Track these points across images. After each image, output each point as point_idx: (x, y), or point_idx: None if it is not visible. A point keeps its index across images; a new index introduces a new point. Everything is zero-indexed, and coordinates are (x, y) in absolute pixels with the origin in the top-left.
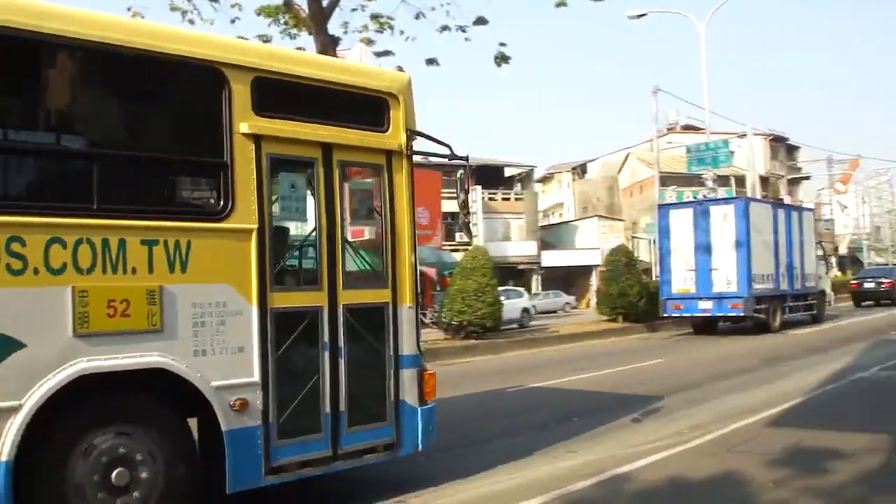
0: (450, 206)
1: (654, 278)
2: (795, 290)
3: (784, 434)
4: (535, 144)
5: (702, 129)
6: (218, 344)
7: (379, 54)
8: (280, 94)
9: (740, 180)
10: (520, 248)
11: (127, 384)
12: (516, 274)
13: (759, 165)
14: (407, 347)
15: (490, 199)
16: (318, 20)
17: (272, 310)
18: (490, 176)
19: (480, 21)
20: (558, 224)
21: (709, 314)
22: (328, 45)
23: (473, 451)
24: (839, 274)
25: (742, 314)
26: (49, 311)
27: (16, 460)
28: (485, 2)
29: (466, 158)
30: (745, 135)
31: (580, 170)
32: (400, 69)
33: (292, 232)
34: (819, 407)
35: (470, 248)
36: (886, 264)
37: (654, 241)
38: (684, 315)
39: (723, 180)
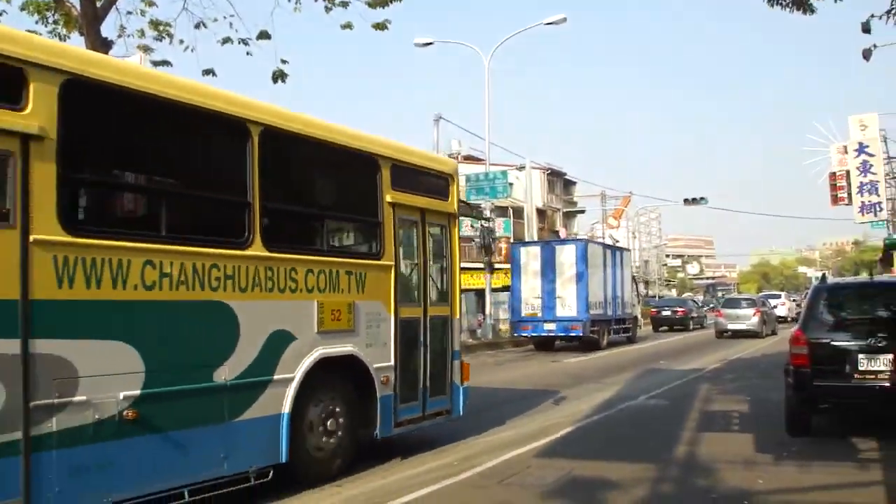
0: None
1: None
2: (618, 315)
3: (555, 465)
4: None
5: (482, 160)
6: (376, 339)
7: (157, 63)
8: (402, 175)
9: (518, 212)
10: None
11: (333, 364)
12: None
13: (536, 198)
14: (456, 345)
15: None
16: (90, 20)
17: (399, 318)
18: None
19: (263, 35)
20: None
21: (552, 334)
22: (99, 47)
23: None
24: None
25: (581, 334)
26: (306, 316)
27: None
28: (268, 18)
29: (491, 220)
30: (523, 167)
31: None
32: (451, 156)
33: (404, 267)
34: (589, 436)
35: None
36: (654, 296)
37: None
38: (532, 335)
39: (501, 211)
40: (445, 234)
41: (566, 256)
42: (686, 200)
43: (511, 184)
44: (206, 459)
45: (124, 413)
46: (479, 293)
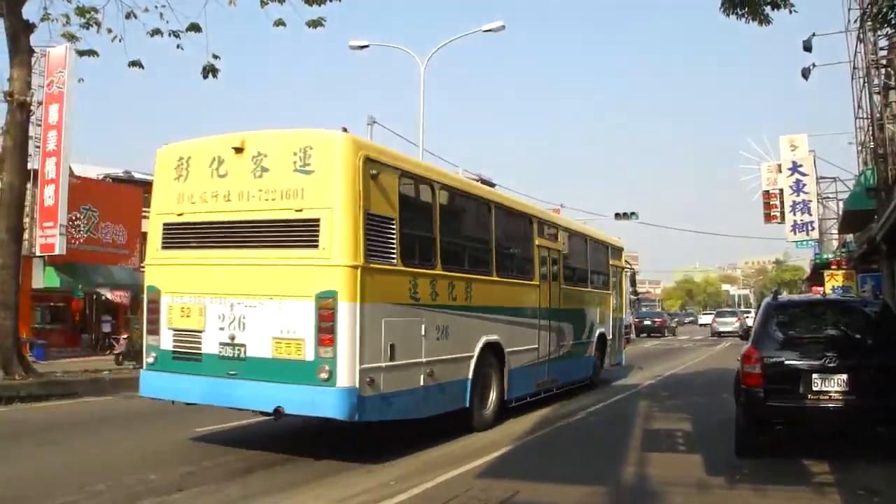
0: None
1: None
2: (625, 322)
3: (498, 486)
4: None
5: None
6: (608, 326)
7: (82, 53)
8: (613, 251)
9: None
10: None
11: (599, 336)
12: None
13: None
14: (622, 330)
15: None
16: (11, 1)
17: (613, 316)
18: None
19: (194, 28)
20: None
21: None
22: (21, 31)
23: None
24: None
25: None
26: (595, 316)
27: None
28: (200, 10)
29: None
30: None
31: None
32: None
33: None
34: (531, 455)
35: None
36: None
37: None
38: None
39: None
40: (622, 276)
41: None
42: (617, 215)
43: None
44: (578, 372)
45: (568, 350)
46: None
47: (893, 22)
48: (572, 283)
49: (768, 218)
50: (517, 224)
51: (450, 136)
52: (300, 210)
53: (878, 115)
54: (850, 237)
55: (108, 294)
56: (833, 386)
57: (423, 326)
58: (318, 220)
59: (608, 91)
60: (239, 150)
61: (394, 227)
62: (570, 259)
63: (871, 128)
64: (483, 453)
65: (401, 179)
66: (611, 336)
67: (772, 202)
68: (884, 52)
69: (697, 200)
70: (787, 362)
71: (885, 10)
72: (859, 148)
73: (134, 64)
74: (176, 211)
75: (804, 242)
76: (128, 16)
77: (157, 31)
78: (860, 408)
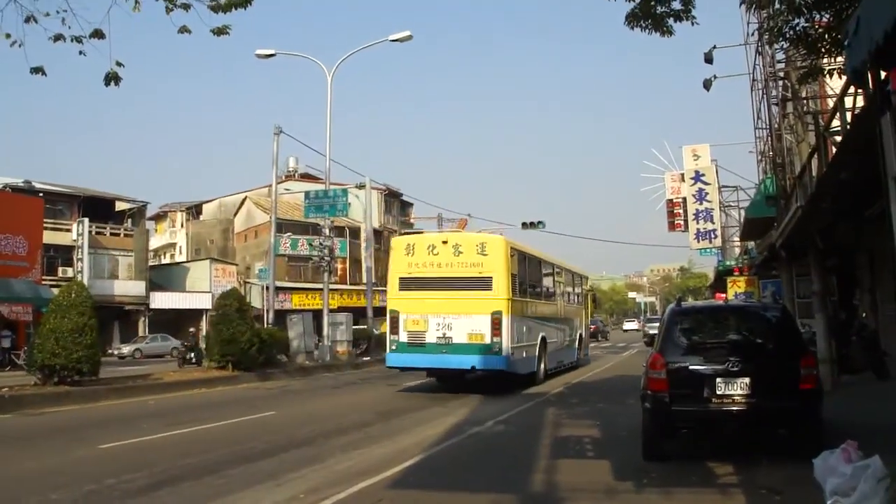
0: (52, 237)
1: (266, 325)
2: None
3: (408, 497)
4: (150, 180)
5: (320, 178)
6: (584, 330)
7: None
8: (583, 279)
9: (354, 231)
10: (127, 287)
11: (579, 336)
12: (122, 315)
13: (373, 218)
14: (587, 334)
15: (98, 233)
16: None
17: (585, 323)
18: (99, 209)
19: (97, 34)
20: (169, 265)
21: None
22: None
23: None
24: None
25: None
26: (577, 324)
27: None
28: (104, 16)
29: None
30: (363, 186)
31: (195, 210)
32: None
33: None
34: (441, 465)
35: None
36: None
37: (267, 288)
38: None
39: (338, 230)
40: (588, 296)
41: None
42: (524, 224)
43: (349, 203)
44: (571, 357)
45: (567, 343)
46: (317, 314)
47: (789, 36)
48: (568, 302)
49: (672, 226)
50: (548, 269)
51: (358, 149)
52: (481, 273)
53: (776, 125)
54: (751, 244)
55: (6, 309)
56: (736, 389)
57: (524, 327)
58: (491, 277)
59: (519, 103)
60: (445, 242)
61: (517, 278)
62: (566, 286)
63: (769, 138)
64: (393, 464)
65: (517, 254)
66: (584, 336)
67: (675, 211)
68: (781, 65)
69: (604, 209)
70: (691, 367)
71: (780, 24)
72: (759, 157)
73: (36, 70)
74: (407, 271)
75: (707, 250)
76: (27, 20)
77: (59, 37)
78: (762, 410)
